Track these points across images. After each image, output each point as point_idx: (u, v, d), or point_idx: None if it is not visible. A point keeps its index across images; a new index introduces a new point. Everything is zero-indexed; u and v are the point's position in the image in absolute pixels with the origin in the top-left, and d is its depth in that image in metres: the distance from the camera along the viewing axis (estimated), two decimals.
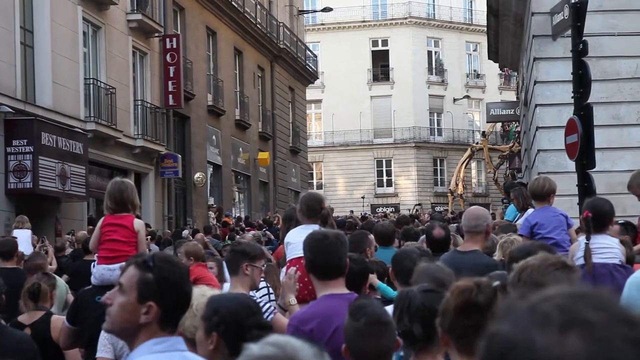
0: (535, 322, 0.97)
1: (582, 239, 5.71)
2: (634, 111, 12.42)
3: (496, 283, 2.58)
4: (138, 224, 5.55)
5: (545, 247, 3.82)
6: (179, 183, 25.93)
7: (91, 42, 20.97)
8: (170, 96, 24.22)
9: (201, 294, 3.41)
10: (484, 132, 40.53)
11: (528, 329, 0.97)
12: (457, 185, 40.68)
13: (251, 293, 4.99)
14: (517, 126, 38.07)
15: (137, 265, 2.59)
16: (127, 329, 2.57)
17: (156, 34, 23.97)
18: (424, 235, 7.04)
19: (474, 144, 41.89)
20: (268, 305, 4.83)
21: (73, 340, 5.50)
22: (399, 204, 50.15)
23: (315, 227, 5.12)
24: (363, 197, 48.63)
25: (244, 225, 23.22)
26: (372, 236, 7.11)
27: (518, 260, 3.27)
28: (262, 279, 5.86)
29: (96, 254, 5.61)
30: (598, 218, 5.57)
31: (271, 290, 5.92)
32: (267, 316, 4.69)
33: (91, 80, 20.37)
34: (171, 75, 24.19)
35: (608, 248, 5.53)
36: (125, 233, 5.44)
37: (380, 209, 47.28)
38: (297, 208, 5.72)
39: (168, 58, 24.19)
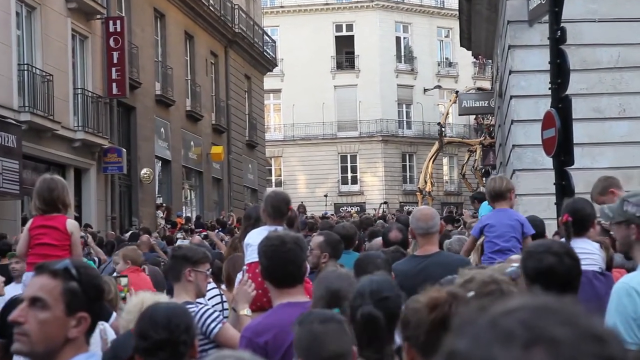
0: (497, 339, 0.95)
1: None
2: (616, 103, 12.57)
3: (471, 294, 2.55)
4: (71, 225, 5.47)
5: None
6: (124, 180, 25.70)
7: (25, 24, 20.67)
8: (114, 84, 24.00)
9: (142, 302, 3.37)
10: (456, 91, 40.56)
11: (489, 346, 0.95)
12: (426, 182, 40.92)
13: (200, 300, 4.94)
14: (490, 119, 38.41)
15: (54, 274, 2.50)
16: (52, 348, 2.48)
17: (98, 16, 23.71)
18: (380, 238, 7.09)
19: (442, 137, 42.07)
20: (216, 314, 4.78)
21: (2, 354, 5.40)
22: (364, 202, 50.29)
23: (277, 229, 5.09)
24: (326, 196, 48.68)
25: (193, 226, 23.08)
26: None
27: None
28: (213, 285, 5.80)
29: (25, 260, 5.52)
30: (579, 222, 5.57)
31: (225, 298, 5.87)
32: (215, 326, 4.65)
33: (25, 66, 20.08)
34: (115, 61, 23.97)
35: (588, 254, 5.54)
36: (57, 235, 5.35)
37: (345, 208, 47.36)
38: (262, 208, 5.71)
39: (111, 42, 23.95)
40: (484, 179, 40.07)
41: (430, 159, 40.79)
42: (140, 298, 3.94)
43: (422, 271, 5.23)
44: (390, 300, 3.24)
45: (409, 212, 27.36)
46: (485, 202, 11.13)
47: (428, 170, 40.85)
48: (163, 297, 4.10)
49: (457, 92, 39.03)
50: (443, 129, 40.65)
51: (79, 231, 5.66)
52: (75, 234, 5.45)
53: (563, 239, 5.68)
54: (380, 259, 5.12)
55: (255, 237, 5.42)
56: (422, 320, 2.47)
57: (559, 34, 9.31)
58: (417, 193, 42.51)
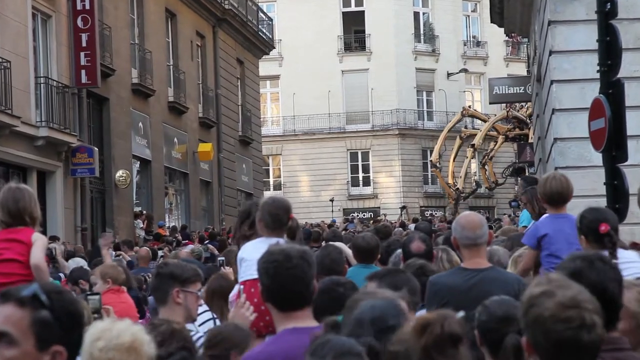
0: None
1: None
2: None
3: (461, 314, 2.57)
4: (38, 238, 5.53)
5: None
6: (96, 184, 25.73)
7: None
8: (83, 72, 24.03)
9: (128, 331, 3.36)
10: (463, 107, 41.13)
11: None
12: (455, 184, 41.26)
13: (189, 326, 4.94)
14: (527, 107, 38.50)
15: (21, 302, 2.49)
16: None
17: None
18: (399, 251, 7.05)
19: (464, 129, 42.21)
20: None
21: None
22: (379, 207, 50.31)
23: (276, 241, 5.08)
24: (332, 200, 48.66)
25: (180, 238, 23.12)
26: (348, 251, 7.16)
27: None
28: (204, 308, 5.79)
29: None
30: (615, 230, 5.71)
31: (218, 323, 5.88)
32: None
33: None
34: (83, 44, 23.99)
35: (629, 263, 5.65)
36: (22, 250, 5.43)
37: (355, 214, 47.37)
38: (258, 218, 5.73)
39: (79, 22, 23.97)
40: (506, 176, 40.32)
41: (454, 155, 40.99)
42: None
43: (474, 287, 5.22)
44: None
45: (428, 219, 27.32)
46: (526, 210, 11.09)
47: (449, 168, 41.05)
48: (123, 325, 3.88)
49: (460, 132, 39.43)
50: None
51: (45, 244, 5.73)
52: (38, 242, 5.52)
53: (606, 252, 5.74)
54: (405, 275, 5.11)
55: (250, 251, 5.43)
56: (411, 348, 2.48)
57: (609, 6, 9.29)
58: (434, 169, 42.40)
